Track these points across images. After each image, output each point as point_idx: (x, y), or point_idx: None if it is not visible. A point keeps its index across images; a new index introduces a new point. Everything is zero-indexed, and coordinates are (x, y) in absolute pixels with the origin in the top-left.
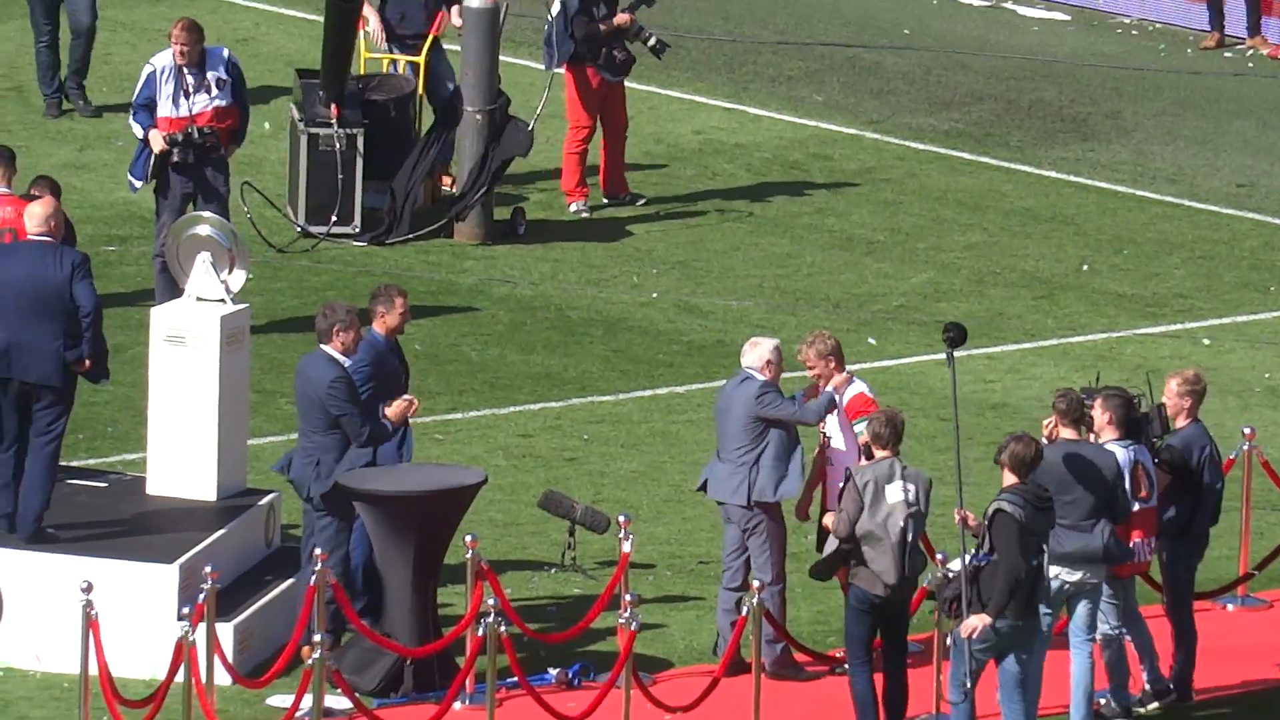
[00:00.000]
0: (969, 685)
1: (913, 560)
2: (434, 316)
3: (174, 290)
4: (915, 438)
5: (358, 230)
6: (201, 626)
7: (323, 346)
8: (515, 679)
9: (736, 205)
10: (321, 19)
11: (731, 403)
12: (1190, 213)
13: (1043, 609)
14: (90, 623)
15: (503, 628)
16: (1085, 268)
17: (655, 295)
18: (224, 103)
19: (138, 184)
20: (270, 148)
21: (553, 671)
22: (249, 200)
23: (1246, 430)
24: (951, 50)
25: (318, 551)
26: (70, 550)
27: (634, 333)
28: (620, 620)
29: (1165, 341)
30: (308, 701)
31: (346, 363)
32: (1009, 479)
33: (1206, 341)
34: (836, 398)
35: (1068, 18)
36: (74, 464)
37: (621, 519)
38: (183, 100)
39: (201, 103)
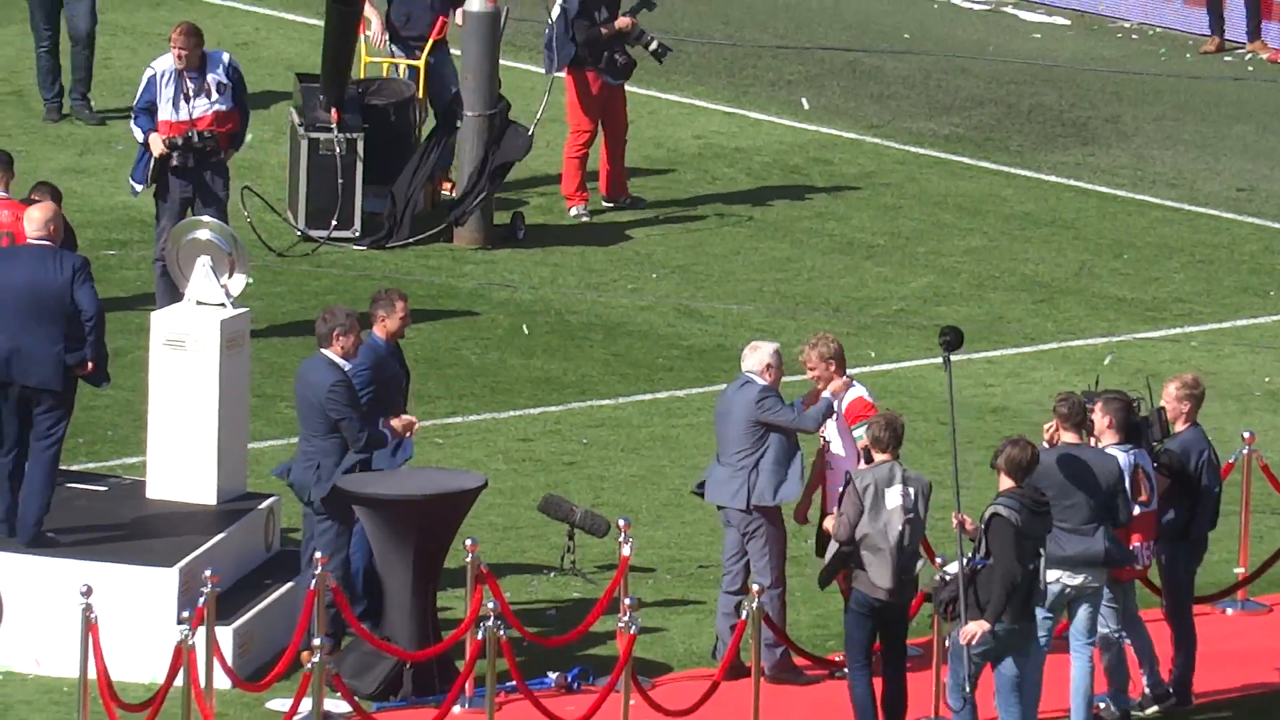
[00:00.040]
0: (968, 690)
1: (911, 564)
2: (434, 321)
3: (174, 294)
4: (915, 441)
5: (358, 234)
6: (201, 630)
7: (323, 351)
8: (514, 683)
9: (736, 209)
10: (321, 23)
11: (731, 406)
12: (1190, 217)
13: (1043, 613)
14: (90, 626)
15: (502, 631)
16: (1084, 272)
17: (651, 300)
18: (224, 107)
19: (139, 188)
20: (270, 152)
21: (552, 675)
22: (249, 204)
23: (1246, 434)
24: (952, 55)
25: (318, 555)
26: (70, 554)
27: (634, 337)
28: (620, 624)
29: (1165, 345)
30: (307, 705)
31: (347, 367)
32: (1005, 483)
33: (1194, 345)
34: (835, 404)
35: (1068, 22)
36: (74, 468)
37: (621, 523)
38: (183, 104)
39: (201, 107)
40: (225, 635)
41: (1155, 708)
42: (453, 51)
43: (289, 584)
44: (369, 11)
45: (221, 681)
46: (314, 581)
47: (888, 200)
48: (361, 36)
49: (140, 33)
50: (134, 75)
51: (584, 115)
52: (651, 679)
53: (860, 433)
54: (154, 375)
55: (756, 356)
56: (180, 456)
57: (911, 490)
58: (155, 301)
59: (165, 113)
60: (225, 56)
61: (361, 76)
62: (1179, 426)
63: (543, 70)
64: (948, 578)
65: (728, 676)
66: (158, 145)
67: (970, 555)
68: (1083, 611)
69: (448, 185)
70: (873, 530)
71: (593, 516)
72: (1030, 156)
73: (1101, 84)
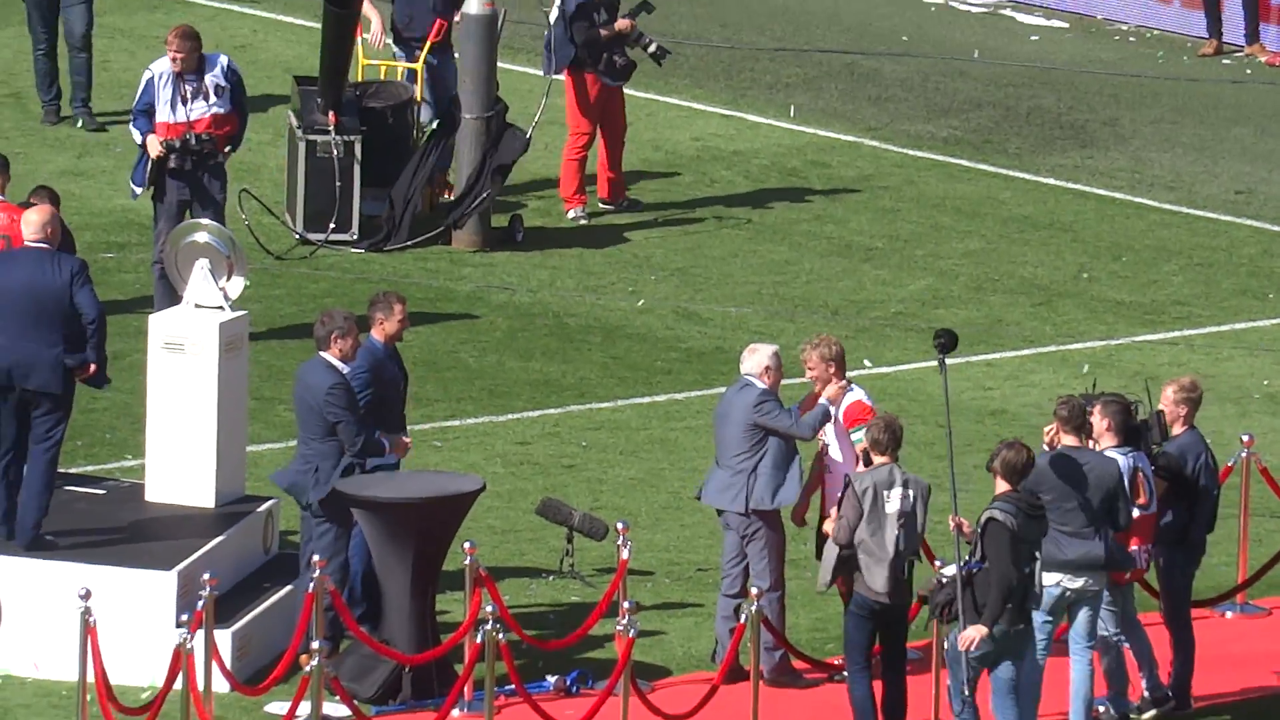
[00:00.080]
0: (968, 693)
1: (910, 567)
2: (432, 323)
3: (172, 297)
4: (914, 444)
5: (356, 237)
6: (200, 633)
7: (321, 353)
8: (513, 686)
9: (735, 212)
10: (319, 26)
11: (730, 409)
12: (1188, 220)
13: (1043, 616)
14: (88, 630)
15: (501, 635)
16: (1084, 275)
17: (642, 301)
18: (222, 110)
19: (138, 190)
20: (268, 155)
21: (551, 679)
22: (247, 207)
23: (1245, 437)
24: (950, 57)
25: (316, 558)
26: (68, 557)
27: (632, 340)
28: (618, 627)
29: (1163, 348)
30: (306, 708)
31: (345, 370)
32: (1001, 486)
33: (1193, 348)
34: (831, 410)
35: (1066, 25)
36: (72, 471)
37: (620, 526)
38: (180, 106)
39: (199, 109)
40: (224, 638)
41: (1154, 711)
42: (456, 55)
43: (288, 587)
44: (369, 11)
45: (220, 685)
46: (313, 585)
47: (886, 203)
48: (359, 39)
49: (138, 35)
50: (132, 78)
51: (583, 117)
52: (650, 682)
53: (859, 436)
54: (152, 378)
55: (755, 359)
56: (179, 459)
57: (911, 493)
58: (153, 304)
59: (163, 115)
60: (223, 59)
61: (359, 79)
62: (1176, 430)
63: (540, 72)
64: (944, 580)
65: (727, 680)
66: (155, 147)
67: (967, 558)
68: (1083, 615)
69: (448, 191)
70: (872, 533)
71: (591, 519)
72: (1028, 159)
73: (1100, 87)
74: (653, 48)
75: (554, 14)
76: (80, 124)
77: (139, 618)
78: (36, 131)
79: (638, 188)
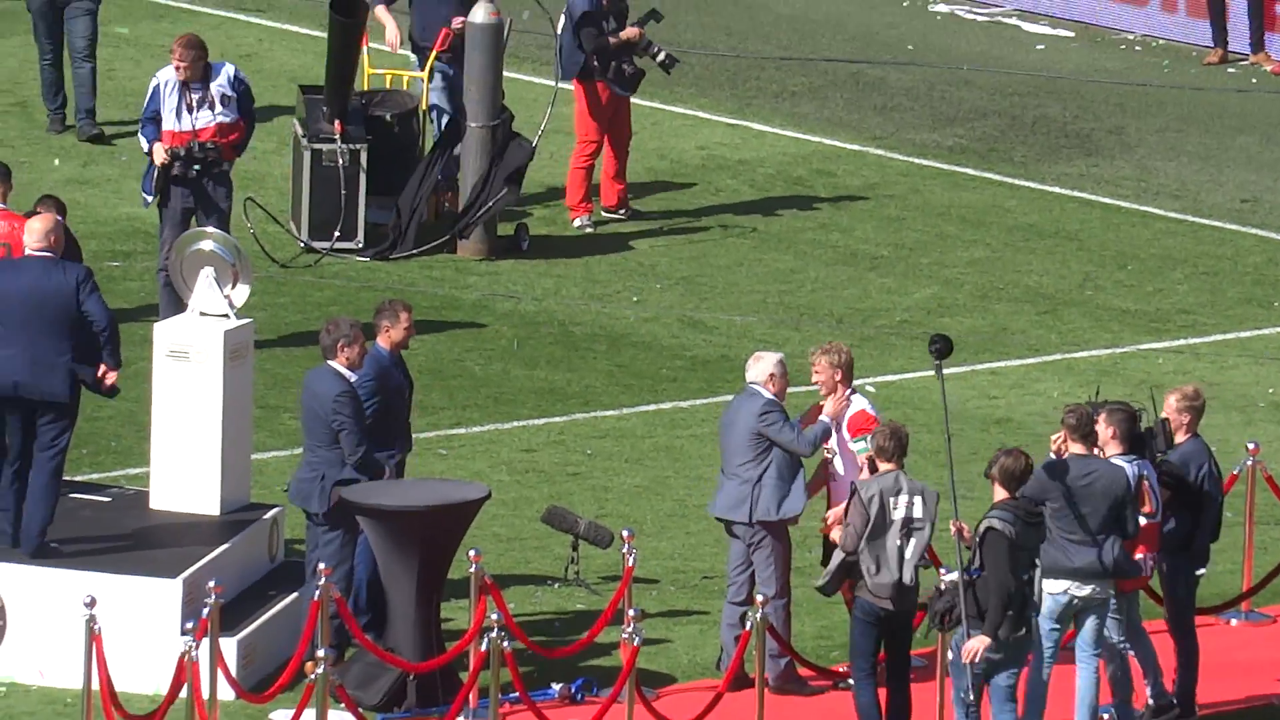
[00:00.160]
0: (973, 699)
1: (915, 573)
2: (438, 332)
3: (178, 305)
4: (918, 453)
5: (361, 246)
6: (205, 641)
7: (329, 362)
8: (518, 694)
9: (740, 221)
10: (325, 35)
11: (736, 417)
12: (1194, 228)
13: (1050, 623)
14: (94, 637)
15: (506, 643)
16: (1089, 283)
17: (655, 311)
18: (227, 119)
19: (149, 199)
20: (274, 163)
21: (556, 686)
22: (252, 215)
23: (1250, 445)
24: (955, 66)
25: (321, 566)
26: (74, 565)
27: (637, 348)
28: (624, 635)
29: (1168, 357)
30: (311, 716)
31: (353, 378)
32: (999, 493)
33: (1199, 356)
34: (832, 427)
35: (1071, 34)
36: (78, 478)
37: (625, 534)
38: (185, 115)
39: (205, 118)
40: (229, 646)
41: (1159, 719)
42: None
43: (293, 595)
44: (384, 17)
45: (225, 693)
46: (318, 592)
47: (891, 212)
48: (365, 48)
49: (144, 44)
50: (136, 87)
51: (592, 126)
52: (655, 690)
53: (862, 446)
54: (157, 386)
55: (760, 367)
56: (184, 467)
57: (916, 500)
58: (159, 312)
59: (168, 123)
60: (229, 68)
61: (365, 88)
62: (1180, 438)
63: (547, 81)
64: (942, 588)
65: (732, 687)
66: (159, 155)
67: (967, 565)
68: (1090, 623)
69: (450, 198)
70: (878, 540)
71: (596, 527)
72: (1034, 168)
73: (1105, 96)
74: (661, 56)
75: (561, 23)
76: (79, 133)
77: (144, 625)
78: (42, 140)
79: (643, 197)
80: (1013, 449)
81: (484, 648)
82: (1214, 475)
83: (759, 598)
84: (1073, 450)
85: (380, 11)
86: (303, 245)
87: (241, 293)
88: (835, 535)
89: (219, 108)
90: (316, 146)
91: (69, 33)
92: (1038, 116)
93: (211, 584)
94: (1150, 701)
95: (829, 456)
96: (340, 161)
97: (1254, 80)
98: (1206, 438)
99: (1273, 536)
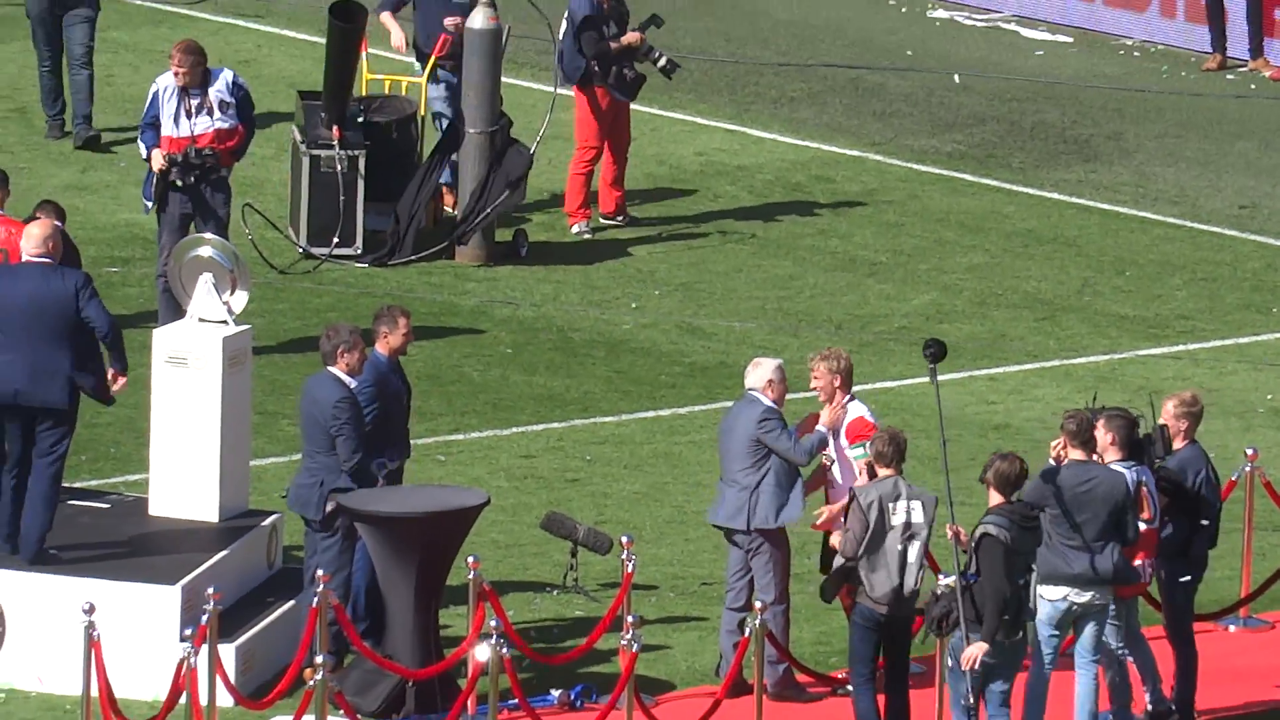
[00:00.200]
0: (971, 702)
1: (914, 578)
2: (436, 338)
3: (176, 311)
4: (917, 459)
5: (359, 252)
6: (204, 648)
7: (329, 368)
8: (517, 700)
9: (739, 227)
10: (323, 41)
11: (736, 423)
12: (1192, 234)
13: (1050, 630)
14: (92, 644)
15: (505, 649)
16: (1088, 289)
17: (653, 317)
18: (226, 124)
19: (150, 205)
20: (272, 169)
21: (555, 693)
22: (250, 222)
23: (1249, 451)
24: (954, 71)
25: (320, 573)
26: (72, 571)
27: (636, 354)
28: (622, 641)
29: (1167, 363)
30: None
31: (353, 384)
32: (994, 498)
33: (1197, 362)
34: (829, 438)
35: (1070, 39)
36: (76, 485)
37: (624, 540)
38: (184, 120)
39: (203, 124)
40: (228, 653)
41: None
42: None
43: (291, 601)
44: (389, 23)
45: (224, 699)
46: (316, 599)
47: (890, 217)
48: (363, 54)
49: (142, 50)
50: (135, 93)
51: (592, 132)
52: (654, 696)
53: (860, 452)
54: (156, 392)
55: (759, 373)
56: (182, 474)
57: (915, 505)
58: (157, 319)
59: (167, 129)
60: (228, 74)
61: (363, 93)
62: (1178, 444)
63: (545, 87)
64: (939, 593)
65: (730, 694)
66: (158, 161)
67: (963, 569)
68: (1089, 629)
69: (450, 201)
70: (877, 545)
71: (595, 534)
72: (1032, 174)
73: (1104, 101)
74: (662, 61)
75: (563, 27)
76: (74, 139)
77: (143, 632)
78: (41, 146)
79: (642, 203)
80: (1007, 453)
81: (483, 655)
82: (1211, 481)
83: (758, 604)
84: (1072, 456)
85: (385, 18)
86: (301, 251)
87: (240, 299)
88: (835, 540)
89: (217, 113)
90: (315, 152)
91: (67, 40)
92: (1036, 122)
93: (210, 590)
94: (1149, 708)
95: (827, 464)
96: (339, 167)
97: (1253, 86)
98: (1205, 444)
99: (1271, 543)
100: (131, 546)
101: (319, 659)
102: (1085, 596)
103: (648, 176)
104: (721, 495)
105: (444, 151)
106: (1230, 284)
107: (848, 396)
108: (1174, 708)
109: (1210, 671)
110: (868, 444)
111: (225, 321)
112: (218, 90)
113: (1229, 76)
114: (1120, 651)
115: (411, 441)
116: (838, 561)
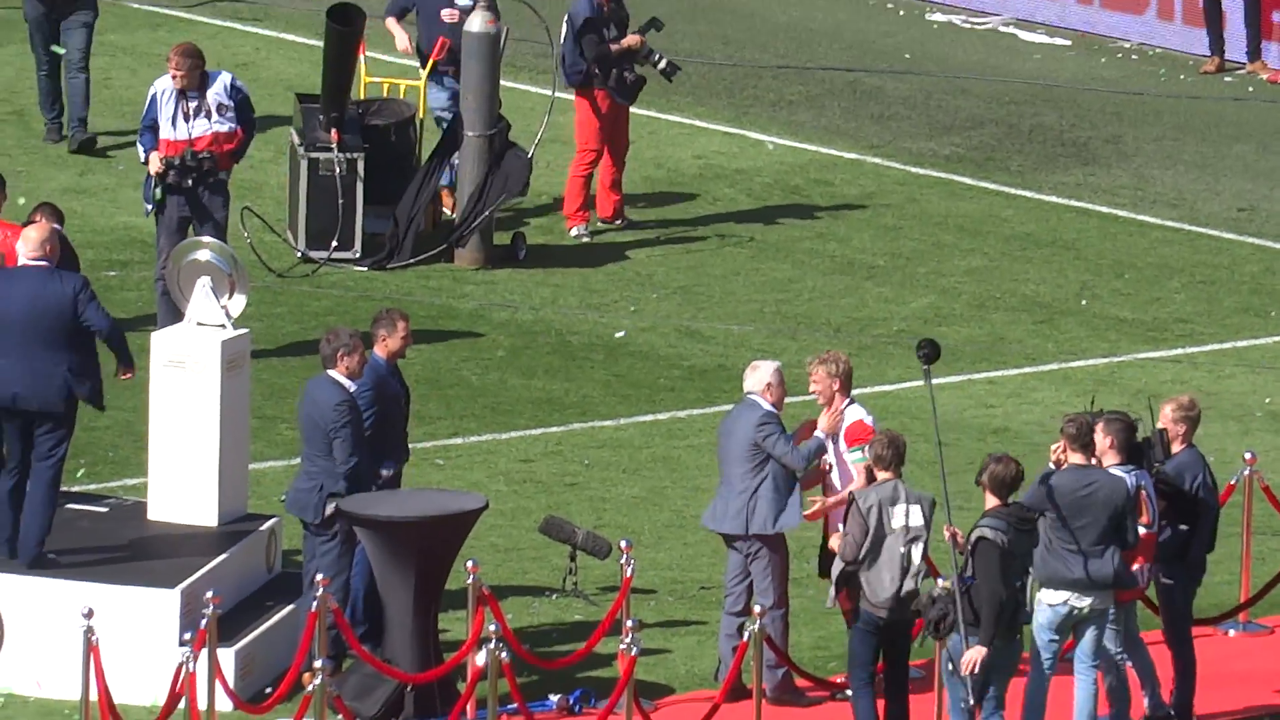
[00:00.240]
0: (971, 704)
1: (914, 581)
2: (435, 341)
3: (175, 315)
4: (916, 463)
5: (358, 255)
6: (203, 652)
7: (329, 371)
8: (516, 704)
9: (737, 230)
10: (321, 44)
11: (735, 426)
12: (1191, 237)
13: (1050, 634)
14: (91, 648)
15: (503, 653)
16: (1086, 293)
17: (652, 320)
18: (224, 127)
19: (150, 208)
20: (270, 172)
21: (554, 697)
22: (249, 225)
23: (1247, 455)
24: (952, 75)
25: (319, 577)
26: (71, 575)
27: (635, 358)
28: (621, 646)
29: (1166, 366)
30: None
31: (352, 387)
32: (990, 501)
33: (1196, 365)
34: (828, 445)
35: (1068, 42)
36: (75, 489)
37: (623, 544)
38: (181, 123)
39: (201, 127)
40: (227, 657)
41: None
42: None
43: (290, 606)
44: (394, 28)
45: (223, 703)
46: (315, 603)
47: (888, 221)
48: (361, 57)
49: (140, 53)
50: (133, 96)
51: (592, 135)
52: (653, 701)
53: (859, 455)
54: (154, 396)
55: (757, 376)
56: (181, 478)
57: (915, 508)
58: (156, 322)
59: (165, 132)
60: (226, 76)
61: (362, 96)
62: (1176, 448)
63: (544, 90)
64: (935, 596)
65: (729, 698)
66: (155, 164)
67: (960, 572)
68: (1089, 634)
69: (449, 203)
70: (877, 549)
71: (594, 538)
72: (1031, 177)
73: (1102, 104)
74: (662, 64)
75: (564, 30)
76: (70, 142)
77: (142, 636)
78: (39, 149)
79: (640, 206)
80: (1002, 455)
81: (481, 660)
82: (1209, 485)
83: (756, 608)
84: (1072, 460)
85: (390, 23)
86: (300, 255)
87: (238, 302)
88: (834, 544)
89: (215, 116)
90: (313, 156)
91: (65, 43)
92: (1034, 125)
93: (209, 595)
94: (1148, 712)
95: (826, 470)
96: (337, 171)
97: (1250, 89)
98: (1203, 447)
99: (1270, 547)
100: (130, 550)
101: (318, 663)
102: (1086, 601)
103: (646, 180)
104: (719, 499)
105: (443, 154)
106: (1228, 287)
107: (847, 400)
108: (1173, 712)
109: (1209, 676)
110: (866, 447)
111: (224, 325)
112: (216, 93)
113: (1227, 79)
114: (1119, 656)
115: (410, 445)
116: (837, 565)
